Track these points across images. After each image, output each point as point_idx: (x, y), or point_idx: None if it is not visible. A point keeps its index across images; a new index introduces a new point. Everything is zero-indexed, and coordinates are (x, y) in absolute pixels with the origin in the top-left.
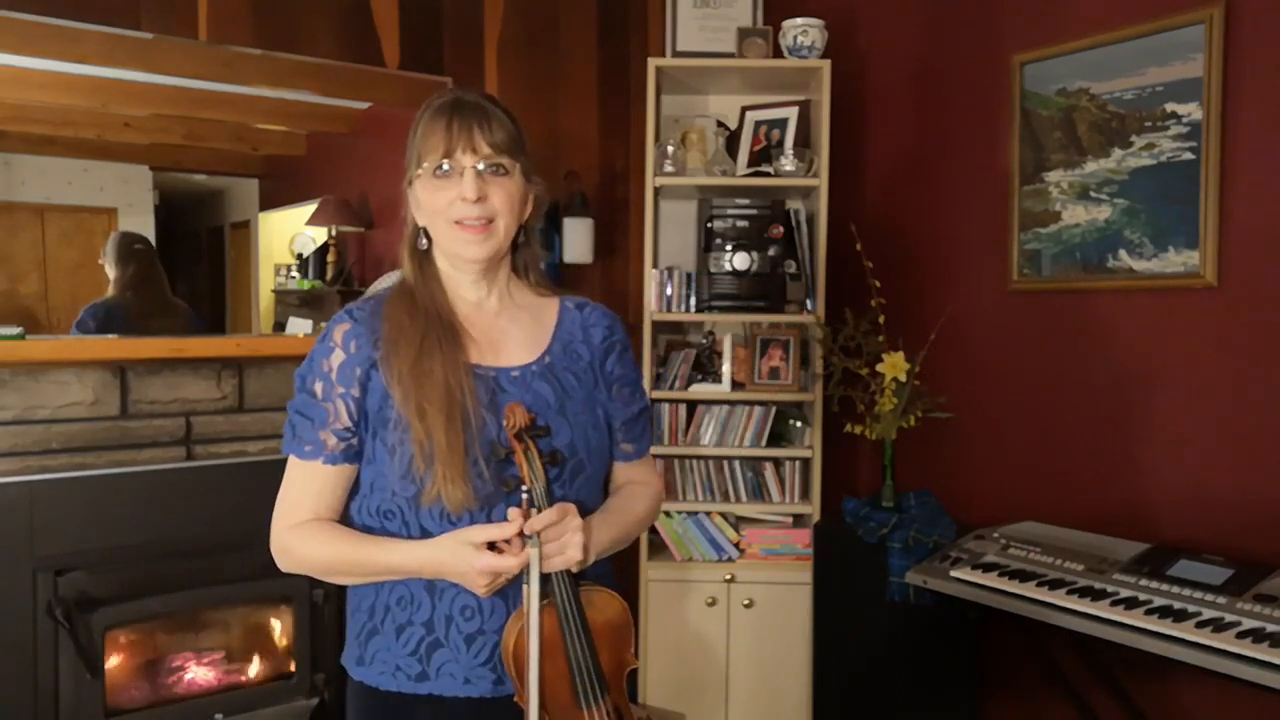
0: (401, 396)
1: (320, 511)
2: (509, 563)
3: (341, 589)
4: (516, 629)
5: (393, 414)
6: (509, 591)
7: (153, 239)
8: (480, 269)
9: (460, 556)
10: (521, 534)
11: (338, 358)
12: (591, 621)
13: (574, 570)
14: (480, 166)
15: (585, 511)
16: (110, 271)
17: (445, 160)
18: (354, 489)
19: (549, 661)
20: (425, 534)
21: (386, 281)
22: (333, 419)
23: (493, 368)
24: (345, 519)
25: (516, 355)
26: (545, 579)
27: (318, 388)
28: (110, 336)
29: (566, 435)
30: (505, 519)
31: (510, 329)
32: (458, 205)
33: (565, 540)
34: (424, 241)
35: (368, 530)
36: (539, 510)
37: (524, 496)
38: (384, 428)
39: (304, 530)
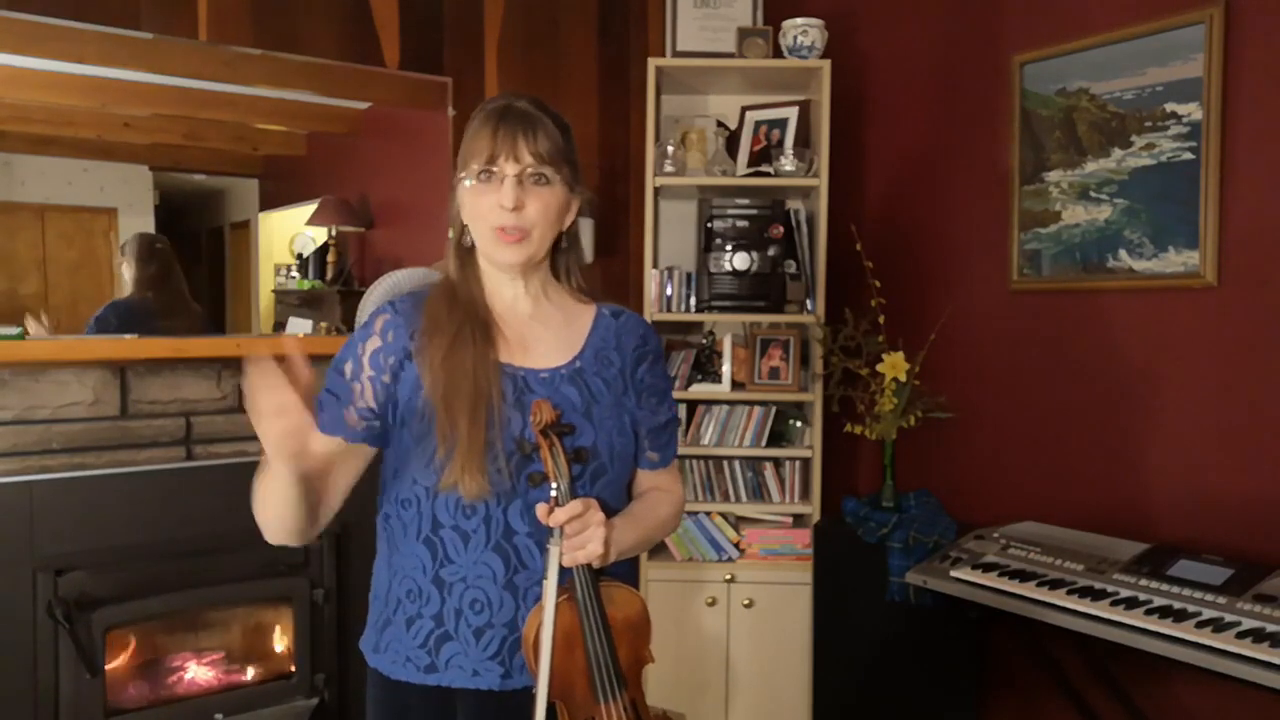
0: (431, 385)
1: None
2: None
3: (342, 590)
4: (537, 621)
5: (421, 405)
6: (521, 586)
7: None
8: (517, 270)
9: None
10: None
11: (373, 343)
12: (611, 618)
13: (595, 565)
14: (520, 174)
15: (607, 514)
16: (128, 271)
17: (488, 166)
18: (381, 481)
19: (568, 654)
20: (435, 523)
21: (388, 281)
22: (357, 397)
23: (522, 368)
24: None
25: (547, 358)
26: (567, 573)
27: (347, 368)
28: (111, 336)
29: (590, 438)
30: (521, 514)
31: (542, 332)
32: (496, 212)
33: (588, 534)
34: (469, 239)
35: (387, 518)
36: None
37: (552, 495)
38: (411, 417)
39: None
